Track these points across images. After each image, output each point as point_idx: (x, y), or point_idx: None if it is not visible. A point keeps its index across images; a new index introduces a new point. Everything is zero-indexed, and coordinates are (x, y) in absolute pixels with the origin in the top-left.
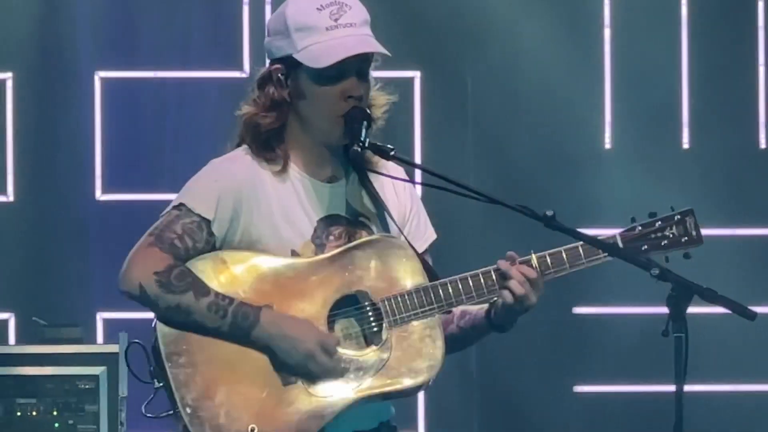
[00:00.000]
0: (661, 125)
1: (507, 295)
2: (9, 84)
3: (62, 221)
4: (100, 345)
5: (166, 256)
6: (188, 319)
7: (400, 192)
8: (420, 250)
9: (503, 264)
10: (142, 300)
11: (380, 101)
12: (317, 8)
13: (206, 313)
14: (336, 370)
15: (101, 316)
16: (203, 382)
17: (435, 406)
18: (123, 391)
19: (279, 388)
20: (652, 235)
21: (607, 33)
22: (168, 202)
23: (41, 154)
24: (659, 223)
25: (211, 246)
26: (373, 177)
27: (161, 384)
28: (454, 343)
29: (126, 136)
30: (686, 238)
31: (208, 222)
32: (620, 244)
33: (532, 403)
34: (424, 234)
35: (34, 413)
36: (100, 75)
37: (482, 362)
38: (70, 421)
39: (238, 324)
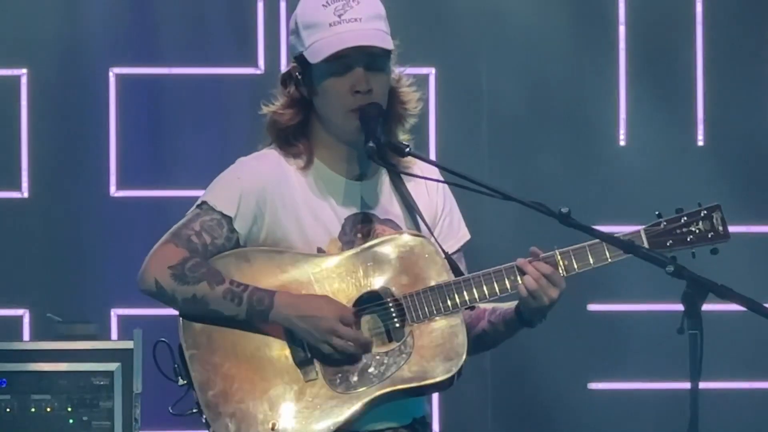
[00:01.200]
0: (675, 122)
1: (522, 290)
2: (24, 80)
3: (77, 218)
4: (114, 341)
5: (180, 251)
6: (206, 309)
7: (432, 191)
8: (452, 250)
9: (520, 260)
10: (161, 296)
11: (413, 97)
12: (323, 5)
13: (222, 301)
14: (361, 340)
15: (115, 313)
16: (224, 379)
17: (449, 403)
18: (137, 387)
19: (300, 384)
20: (678, 231)
21: (621, 30)
22: (182, 198)
23: (56, 151)
24: (685, 218)
25: (234, 243)
26: (404, 175)
27: (185, 382)
28: (486, 338)
29: (140, 132)
30: (713, 233)
31: (229, 219)
32: (645, 240)
33: (546, 400)
34: (457, 234)
35: (48, 409)
36: (114, 71)
37: (496, 359)
38: (85, 418)
39: (254, 309)
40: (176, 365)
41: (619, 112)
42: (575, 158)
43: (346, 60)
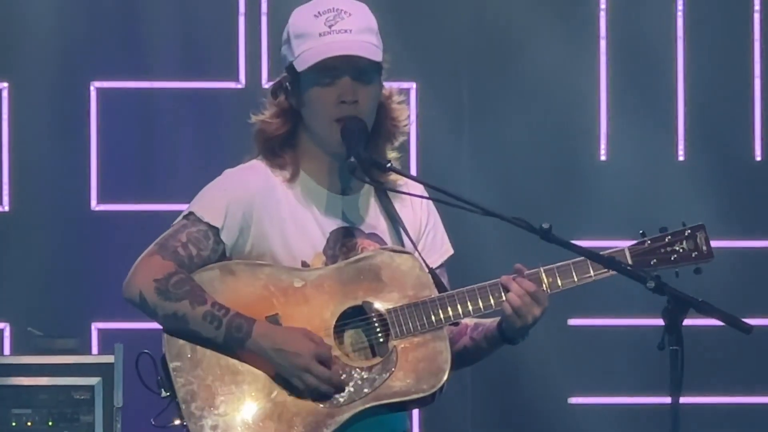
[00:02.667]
0: (656, 137)
1: (506, 307)
2: (5, 94)
3: (57, 231)
4: (95, 356)
5: (167, 264)
6: (185, 327)
7: (416, 206)
8: (435, 265)
9: (504, 277)
10: (143, 307)
11: (403, 114)
12: (314, 15)
13: (201, 322)
14: (334, 380)
15: (96, 327)
16: (207, 392)
17: (430, 416)
18: (118, 401)
19: (283, 398)
20: (662, 250)
21: (603, 45)
22: (164, 212)
23: (37, 164)
24: (669, 237)
25: (220, 254)
26: (391, 187)
27: (168, 394)
28: (467, 355)
29: (121, 146)
30: (696, 253)
31: (216, 230)
32: (629, 258)
33: (527, 414)
34: (440, 248)
35: (29, 424)
36: (95, 85)
37: (477, 373)
38: None
39: (232, 335)
40: (159, 377)
41: (600, 127)
42: (556, 173)
43: (333, 70)
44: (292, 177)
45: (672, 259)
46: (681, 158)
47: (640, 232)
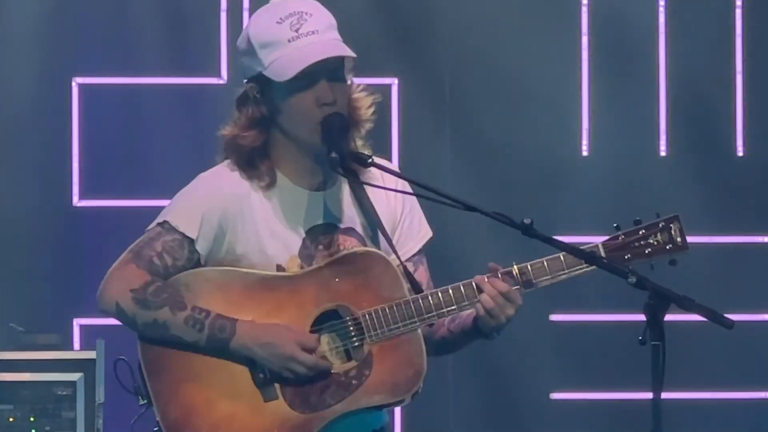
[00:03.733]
0: (638, 133)
1: (479, 309)
2: None
3: (39, 227)
4: (77, 351)
5: (142, 273)
6: (166, 334)
7: (390, 195)
8: (414, 251)
9: (478, 277)
10: (120, 318)
11: (365, 103)
12: (277, 22)
13: (183, 327)
14: (320, 366)
15: (78, 323)
16: (186, 399)
17: (411, 412)
18: (100, 397)
19: (261, 404)
20: (636, 243)
21: (584, 41)
22: (146, 208)
23: (19, 160)
24: (643, 230)
25: (194, 263)
26: (363, 180)
27: (145, 401)
28: (447, 345)
29: (104, 142)
30: (671, 245)
31: (191, 240)
32: (603, 254)
33: (508, 409)
34: (418, 234)
35: (10, 419)
36: (77, 81)
37: (459, 369)
38: (47, 428)
39: (215, 336)
40: (136, 384)
41: (582, 122)
42: (538, 168)
43: (309, 75)
44: (269, 185)
45: (646, 252)
46: (663, 154)
47: (615, 225)
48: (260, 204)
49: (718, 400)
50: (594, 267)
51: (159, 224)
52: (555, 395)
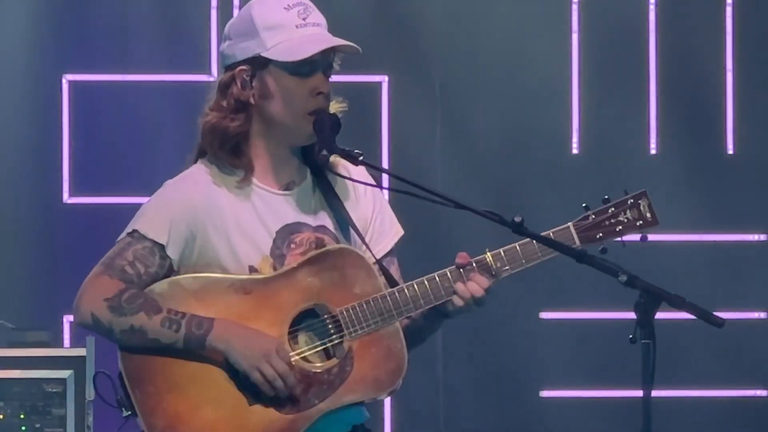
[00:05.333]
0: (628, 131)
1: (457, 301)
2: None
3: (30, 224)
4: (67, 348)
5: (115, 282)
6: (144, 338)
7: (360, 194)
8: (387, 249)
9: (453, 271)
10: (97, 329)
11: (333, 108)
12: (284, 8)
13: (160, 329)
14: (289, 381)
15: (68, 320)
16: (169, 408)
17: (401, 408)
18: (90, 394)
19: (245, 409)
20: (606, 222)
21: (575, 38)
22: (136, 205)
23: (9, 157)
24: (612, 209)
25: (167, 269)
26: (333, 179)
27: (129, 413)
28: (409, 334)
29: (94, 139)
30: (641, 221)
31: (161, 246)
32: (574, 234)
33: (498, 407)
34: (390, 232)
35: (0, 416)
36: (67, 78)
37: (448, 365)
38: (37, 425)
39: (192, 333)
40: (119, 396)
41: (572, 120)
42: (529, 166)
43: (311, 63)
44: (244, 178)
45: (617, 230)
46: (653, 152)
47: (584, 205)
48: (229, 205)
49: (709, 398)
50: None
51: (128, 234)
52: (545, 393)
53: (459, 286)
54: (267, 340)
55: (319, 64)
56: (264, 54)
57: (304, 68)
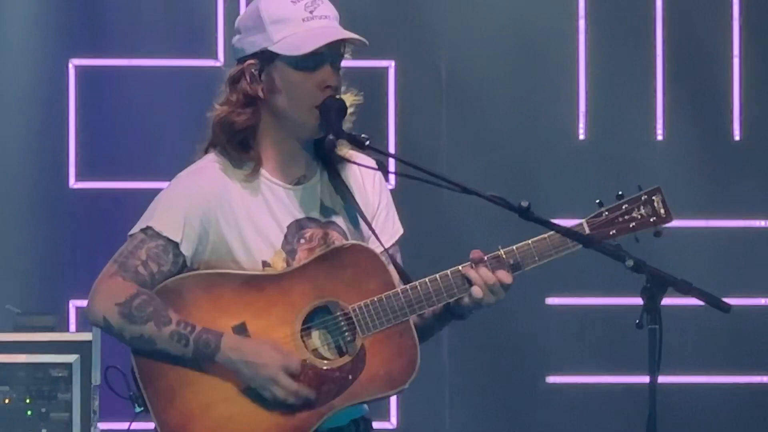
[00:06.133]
0: (635, 117)
1: (475, 294)
2: None
3: (36, 208)
4: (73, 333)
5: (128, 285)
6: (153, 347)
7: (368, 186)
8: (387, 245)
9: (466, 268)
10: (108, 331)
11: (348, 100)
12: (292, 1)
13: (169, 341)
14: (302, 393)
15: (74, 305)
16: (183, 405)
17: (407, 396)
18: (96, 379)
19: (257, 406)
20: (620, 219)
21: (582, 24)
22: (142, 190)
23: (15, 142)
24: (626, 205)
25: (180, 266)
26: (343, 173)
27: (141, 408)
28: (419, 332)
29: (100, 123)
30: (655, 217)
31: (175, 244)
32: (587, 231)
33: (504, 393)
34: (391, 229)
35: (6, 401)
36: (74, 63)
37: (454, 352)
38: (43, 409)
39: (200, 351)
40: (131, 393)
41: (579, 106)
42: (535, 152)
43: (319, 56)
44: (252, 172)
45: (631, 226)
46: (660, 138)
47: (597, 201)
48: (241, 200)
49: (715, 384)
50: (581, 247)
51: (142, 230)
52: (551, 379)
53: (471, 272)
54: (273, 360)
55: (326, 57)
56: (271, 48)
57: (309, 62)
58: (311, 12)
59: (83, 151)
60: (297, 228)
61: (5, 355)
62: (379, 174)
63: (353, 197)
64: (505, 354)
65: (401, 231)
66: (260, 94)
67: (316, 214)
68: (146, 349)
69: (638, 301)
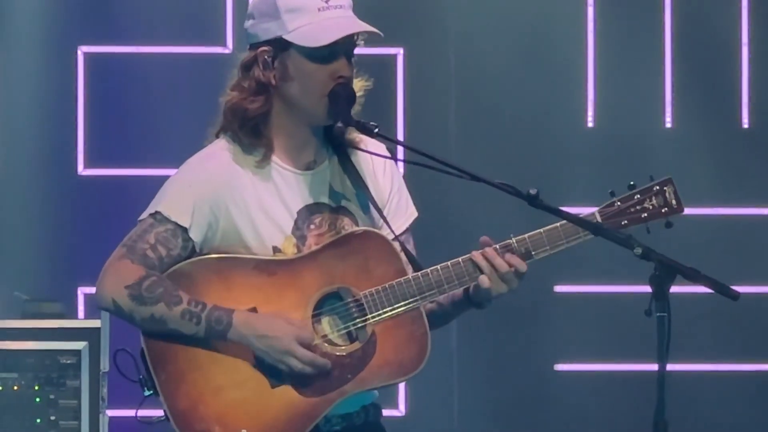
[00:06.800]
0: (644, 105)
1: (484, 282)
2: None
3: (44, 195)
4: (81, 320)
5: (137, 268)
6: (165, 328)
7: (379, 172)
8: (402, 229)
9: (476, 256)
10: (118, 314)
11: (357, 86)
12: None
13: (180, 320)
14: (318, 362)
15: (83, 291)
16: (192, 389)
17: (415, 384)
18: (104, 366)
19: (268, 391)
20: (632, 209)
21: (590, 11)
22: (150, 177)
23: (24, 129)
24: (638, 195)
25: (189, 251)
26: (353, 159)
27: (151, 392)
28: (435, 318)
29: (109, 111)
30: (666, 208)
31: (184, 229)
32: (599, 221)
33: (513, 381)
34: (405, 212)
35: (15, 388)
36: (83, 50)
37: (463, 340)
38: (51, 396)
39: (212, 328)
40: (141, 376)
41: (587, 93)
42: (544, 139)
43: (334, 47)
44: (263, 158)
45: (642, 217)
46: (668, 125)
47: (610, 191)
48: (252, 185)
49: (724, 372)
50: (592, 236)
51: (151, 215)
52: (559, 366)
53: (482, 260)
54: (287, 332)
55: (341, 48)
56: (285, 37)
57: (324, 53)
58: (327, 1)
59: (92, 139)
60: (307, 213)
61: (14, 342)
62: (389, 160)
63: (364, 183)
64: (514, 342)
65: (416, 214)
66: (273, 81)
67: (326, 200)
68: (157, 330)
69: (647, 288)
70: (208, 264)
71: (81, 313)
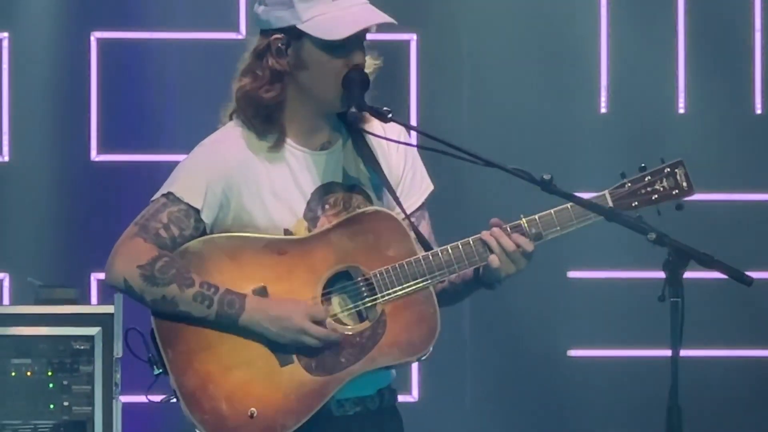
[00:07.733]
0: (656, 90)
1: (494, 261)
2: (5, 44)
3: (57, 181)
4: (95, 306)
5: (149, 247)
6: (175, 309)
7: (393, 151)
8: (418, 204)
9: (486, 234)
10: (129, 293)
11: (368, 65)
12: None
13: (192, 303)
14: (332, 338)
15: (96, 277)
16: (201, 368)
17: (428, 369)
18: (118, 351)
19: (277, 370)
20: (642, 191)
21: None
22: (163, 163)
23: (37, 114)
24: (649, 177)
25: (201, 232)
26: (367, 138)
27: (160, 371)
28: (445, 297)
29: (122, 96)
30: (677, 190)
31: (196, 210)
32: (610, 202)
33: (526, 367)
34: (420, 187)
35: (28, 373)
36: (96, 35)
37: (475, 326)
38: (65, 382)
39: (224, 312)
40: (150, 355)
41: (600, 79)
42: (557, 125)
43: (350, 37)
44: (278, 141)
45: (653, 198)
46: (681, 111)
47: (621, 173)
48: (264, 168)
49: (737, 358)
50: (602, 217)
51: (164, 195)
52: (572, 352)
53: (491, 240)
54: (299, 310)
55: (355, 38)
56: (300, 27)
57: (340, 44)
58: None
59: (105, 124)
60: (321, 194)
61: (27, 328)
62: (404, 132)
63: (378, 163)
64: (527, 328)
65: (431, 187)
66: (287, 68)
67: (339, 179)
68: (168, 311)
69: (660, 274)
70: (218, 243)
71: (94, 299)
